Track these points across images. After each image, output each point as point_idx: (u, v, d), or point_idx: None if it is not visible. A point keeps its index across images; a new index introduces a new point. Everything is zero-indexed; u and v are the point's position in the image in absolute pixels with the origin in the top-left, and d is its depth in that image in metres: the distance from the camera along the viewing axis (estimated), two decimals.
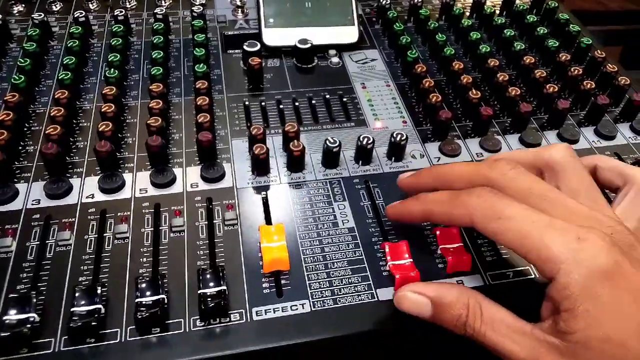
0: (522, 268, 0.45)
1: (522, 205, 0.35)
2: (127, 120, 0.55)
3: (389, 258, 0.43)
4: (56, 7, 0.70)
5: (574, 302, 0.31)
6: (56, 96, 0.52)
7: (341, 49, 0.67)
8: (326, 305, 0.41)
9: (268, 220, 0.47)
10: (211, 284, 0.39)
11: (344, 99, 0.60)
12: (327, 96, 0.60)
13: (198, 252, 0.43)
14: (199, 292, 0.39)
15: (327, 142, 0.50)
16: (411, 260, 0.43)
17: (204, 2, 0.73)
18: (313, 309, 0.41)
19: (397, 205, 0.44)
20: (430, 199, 0.40)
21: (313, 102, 0.59)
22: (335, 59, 0.66)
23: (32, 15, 0.63)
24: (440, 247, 0.44)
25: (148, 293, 0.38)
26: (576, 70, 0.63)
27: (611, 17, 1.39)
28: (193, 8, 0.68)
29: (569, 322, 0.31)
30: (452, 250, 0.43)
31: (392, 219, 0.45)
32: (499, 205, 0.35)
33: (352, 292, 0.42)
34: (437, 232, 0.45)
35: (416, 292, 0.38)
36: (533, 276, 0.44)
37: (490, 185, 0.38)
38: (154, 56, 0.58)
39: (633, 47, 1.36)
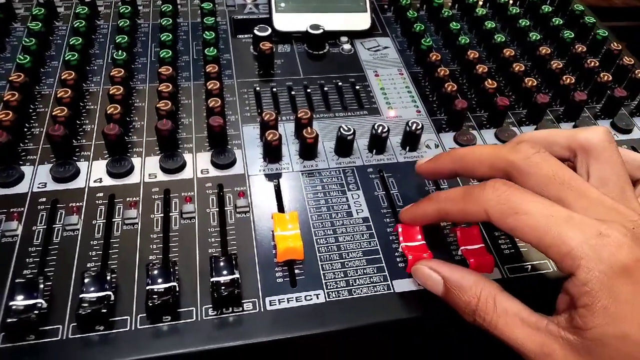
0: (540, 262, 0.44)
1: (540, 199, 0.33)
2: (136, 104, 0.53)
3: (401, 239, 0.42)
4: None
5: (592, 298, 0.30)
6: (63, 77, 0.50)
7: (353, 35, 0.66)
8: (341, 295, 0.40)
9: (280, 209, 0.46)
10: (224, 272, 0.38)
11: (357, 87, 0.59)
12: (339, 83, 0.59)
13: (209, 239, 0.42)
14: (212, 280, 0.38)
15: (342, 129, 0.49)
16: (424, 242, 0.42)
17: None
18: (328, 300, 0.40)
19: (410, 208, 0.43)
20: (443, 197, 0.39)
21: (325, 89, 0.58)
22: (347, 46, 0.64)
23: None
24: (462, 248, 0.43)
25: (159, 280, 0.37)
26: (592, 62, 0.61)
27: (615, 13, 1.38)
28: None
29: (586, 318, 0.30)
30: (474, 252, 0.42)
31: (408, 224, 0.43)
32: (515, 199, 0.34)
33: (367, 283, 0.41)
34: (458, 233, 0.43)
35: (432, 268, 0.38)
36: (551, 270, 0.43)
37: (511, 169, 0.36)
38: (162, 39, 0.57)
39: (638, 43, 1.35)
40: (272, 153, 0.49)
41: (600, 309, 0.30)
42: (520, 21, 0.66)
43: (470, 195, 0.36)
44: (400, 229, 0.43)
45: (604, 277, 0.30)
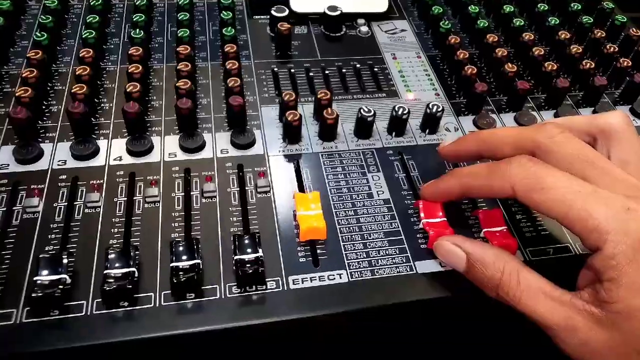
0: (562, 245, 0.44)
1: (566, 174, 0.33)
2: (153, 83, 0.53)
3: (422, 215, 0.42)
4: None
5: (619, 272, 0.30)
6: (81, 55, 0.50)
7: (370, 18, 0.65)
8: (364, 276, 0.40)
9: (301, 189, 0.45)
10: (248, 250, 0.38)
11: (375, 69, 0.58)
12: (357, 65, 0.58)
13: (231, 218, 0.42)
14: (235, 257, 0.38)
15: (362, 111, 0.49)
16: (445, 218, 0.42)
17: None
18: (351, 279, 0.39)
19: (432, 184, 0.42)
20: (466, 172, 0.39)
21: (343, 71, 0.58)
22: (364, 28, 0.64)
23: None
24: (484, 230, 0.42)
25: (184, 257, 0.37)
26: (611, 48, 0.61)
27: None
28: None
29: (611, 291, 0.30)
30: (497, 234, 0.42)
31: (429, 200, 0.42)
32: (541, 174, 0.34)
33: (389, 264, 0.41)
34: (480, 215, 0.43)
35: (455, 243, 0.38)
36: (573, 253, 0.43)
37: (536, 149, 0.36)
38: (180, 18, 0.56)
39: None
40: (292, 134, 0.48)
41: (626, 282, 0.30)
42: (539, 5, 0.66)
43: (496, 170, 0.36)
44: (421, 205, 0.43)
45: (630, 251, 0.30)
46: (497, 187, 0.36)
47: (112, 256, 0.37)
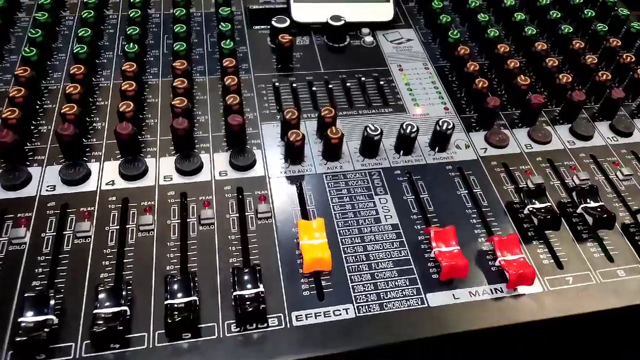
0: (583, 273, 0.41)
1: None
2: (149, 100, 0.50)
3: (434, 244, 0.39)
4: None
5: None
6: (71, 71, 0.47)
7: (375, 27, 0.62)
8: (372, 310, 0.37)
9: (304, 214, 0.43)
10: (248, 286, 0.35)
11: (380, 82, 0.56)
12: (362, 78, 0.56)
13: (230, 248, 0.39)
14: (234, 294, 0.35)
15: (368, 129, 0.46)
16: (458, 247, 0.39)
17: None
18: (358, 315, 0.37)
19: None
20: None
21: (347, 84, 0.55)
22: (368, 38, 0.61)
23: None
24: (500, 259, 0.40)
25: (179, 294, 0.35)
26: (628, 57, 0.58)
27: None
28: None
29: None
30: (514, 263, 0.39)
31: None
32: None
33: (399, 297, 0.38)
34: (495, 241, 0.40)
35: None
36: (593, 282, 0.40)
37: None
38: (176, 30, 0.54)
39: None
40: (294, 154, 0.46)
41: None
42: (551, 12, 0.63)
43: None
44: (432, 233, 0.40)
45: None
46: None
47: (102, 295, 0.34)
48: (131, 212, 0.41)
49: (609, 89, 0.54)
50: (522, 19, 0.61)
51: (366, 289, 0.38)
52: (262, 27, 0.61)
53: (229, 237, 0.40)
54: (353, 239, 0.41)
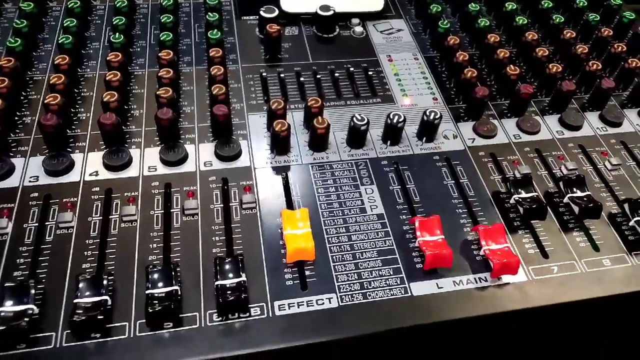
0: (567, 262, 0.41)
1: None
2: (134, 91, 0.50)
3: (418, 234, 0.39)
4: None
5: None
6: (56, 62, 0.47)
7: (365, 17, 0.62)
8: (355, 299, 0.37)
9: (289, 204, 0.43)
10: (230, 275, 0.35)
11: (369, 72, 0.55)
12: (351, 69, 0.55)
13: (213, 238, 0.39)
14: (216, 283, 0.35)
15: (355, 119, 0.46)
16: (442, 236, 0.39)
17: None
18: (341, 304, 0.37)
19: None
20: None
21: (335, 74, 0.55)
22: (358, 29, 0.60)
23: None
24: (484, 248, 0.40)
25: (160, 284, 0.34)
26: (619, 47, 0.58)
27: None
28: None
29: None
30: (498, 252, 0.39)
31: None
32: None
33: (383, 286, 0.38)
34: (480, 231, 0.40)
35: None
36: (579, 271, 0.40)
37: None
38: (163, 20, 0.53)
39: None
40: (280, 144, 0.45)
41: None
42: (542, 2, 0.62)
43: None
44: (417, 223, 0.40)
45: None
46: None
47: (82, 284, 0.34)
48: (114, 202, 0.41)
49: (599, 79, 0.54)
50: (513, 8, 0.61)
51: (350, 279, 0.38)
52: (251, 17, 0.60)
53: (213, 227, 0.40)
54: (338, 229, 0.41)
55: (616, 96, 0.56)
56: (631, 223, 0.43)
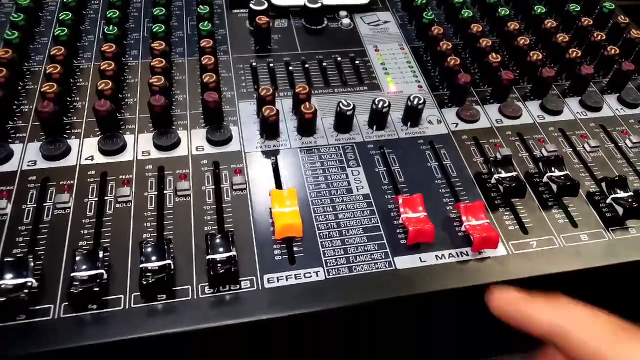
0: (546, 237, 0.42)
1: None
2: (128, 80, 0.52)
3: (402, 210, 0.41)
4: None
5: None
6: (52, 53, 0.49)
7: (352, 9, 0.64)
8: (341, 273, 0.39)
9: (278, 186, 0.44)
10: (220, 249, 0.37)
11: (356, 62, 0.57)
12: (339, 58, 0.57)
13: (205, 217, 0.41)
14: (208, 257, 0.37)
15: (341, 104, 0.48)
16: (425, 213, 0.41)
17: None
18: (328, 277, 0.38)
19: (515, 298, 0.32)
20: (575, 314, 0.29)
21: (323, 64, 0.56)
22: (346, 20, 0.62)
23: None
24: (465, 224, 0.41)
25: (153, 258, 0.36)
26: (599, 36, 0.60)
27: None
28: None
29: None
30: (478, 228, 0.41)
31: (497, 315, 0.33)
32: None
33: (368, 260, 0.40)
34: (461, 207, 0.42)
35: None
36: (557, 245, 0.42)
37: None
38: (155, 13, 0.55)
39: None
40: (269, 129, 0.47)
41: None
42: None
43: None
44: (400, 200, 0.42)
45: None
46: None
47: (79, 258, 0.36)
48: (110, 185, 0.42)
49: (579, 66, 0.56)
50: (496, 0, 0.63)
51: (336, 254, 0.40)
52: (242, 10, 0.62)
53: (204, 207, 0.42)
54: (325, 207, 0.43)
55: (596, 83, 0.58)
56: (608, 200, 0.45)
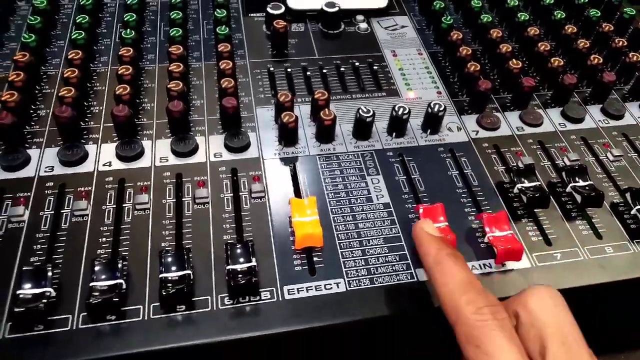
0: (570, 250, 0.42)
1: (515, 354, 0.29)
2: (145, 85, 0.51)
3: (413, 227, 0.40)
4: None
5: None
6: (69, 57, 0.48)
7: (369, 14, 0.63)
8: (362, 284, 0.38)
9: (297, 194, 0.44)
10: (241, 260, 0.36)
11: (374, 67, 0.56)
12: (356, 64, 0.57)
13: (224, 225, 0.40)
14: (227, 268, 0.36)
15: (360, 111, 0.47)
16: (447, 223, 0.40)
17: None
18: (348, 289, 0.38)
19: (423, 231, 0.37)
20: (448, 270, 0.33)
21: (341, 69, 0.56)
22: (363, 25, 0.62)
23: None
24: (488, 235, 0.40)
25: (173, 268, 0.35)
26: (620, 42, 0.59)
27: None
28: None
29: None
30: (502, 240, 0.40)
31: (413, 235, 0.38)
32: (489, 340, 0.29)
33: (389, 272, 0.39)
34: (484, 218, 0.41)
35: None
36: (581, 257, 0.41)
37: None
38: (172, 17, 0.54)
39: None
40: (288, 136, 0.47)
41: None
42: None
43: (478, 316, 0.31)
44: (421, 210, 0.41)
45: None
46: (447, 308, 0.32)
47: (98, 268, 0.35)
48: (128, 191, 0.42)
49: (600, 72, 0.55)
50: (515, 5, 0.62)
51: (357, 265, 0.39)
52: (258, 14, 0.61)
53: (223, 215, 0.41)
54: (345, 217, 0.42)
55: (617, 90, 0.57)
56: (633, 212, 0.44)
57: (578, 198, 0.44)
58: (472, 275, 0.33)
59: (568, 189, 0.45)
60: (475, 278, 0.33)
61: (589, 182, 0.45)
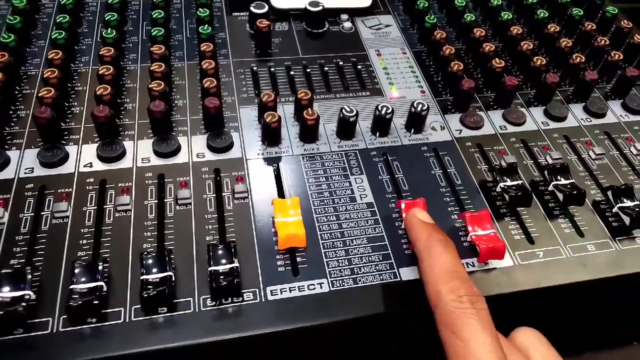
0: (553, 248, 0.42)
1: (493, 345, 0.29)
2: (127, 85, 0.51)
3: (404, 216, 0.40)
4: None
5: None
6: (49, 57, 0.48)
7: (353, 13, 0.63)
8: (345, 284, 0.38)
9: (281, 194, 0.43)
10: (223, 261, 0.36)
11: (358, 67, 0.56)
12: (340, 63, 0.57)
13: (206, 226, 0.40)
14: (210, 269, 0.36)
15: (344, 110, 0.47)
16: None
17: None
18: (332, 289, 0.38)
19: (415, 217, 0.38)
20: (436, 255, 0.34)
21: (325, 69, 0.56)
22: (347, 24, 0.62)
23: None
24: (471, 234, 0.40)
25: (154, 270, 0.35)
26: (602, 41, 0.59)
27: None
28: None
29: None
30: (485, 238, 0.40)
31: (405, 222, 0.40)
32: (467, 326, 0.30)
33: (373, 272, 0.39)
34: (467, 217, 0.41)
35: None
36: (564, 256, 0.41)
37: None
38: (154, 16, 0.54)
39: None
40: (271, 135, 0.46)
41: None
42: None
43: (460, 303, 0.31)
44: (403, 205, 0.41)
45: None
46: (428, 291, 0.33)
47: (78, 270, 0.35)
48: (109, 193, 0.42)
49: (582, 71, 0.55)
50: (498, 4, 0.62)
51: (340, 265, 0.39)
52: (242, 13, 0.61)
53: (206, 216, 0.41)
54: (328, 217, 0.42)
55: (600, 88, 0.58)
56: (615, 209, 0.44)
57: (560, 196, 0.45)
58: (459, 263, 0.34)
59: (550, 188, 0.45)
60: (462, 266, 0.34)
61: (571, 181, 0.45)
